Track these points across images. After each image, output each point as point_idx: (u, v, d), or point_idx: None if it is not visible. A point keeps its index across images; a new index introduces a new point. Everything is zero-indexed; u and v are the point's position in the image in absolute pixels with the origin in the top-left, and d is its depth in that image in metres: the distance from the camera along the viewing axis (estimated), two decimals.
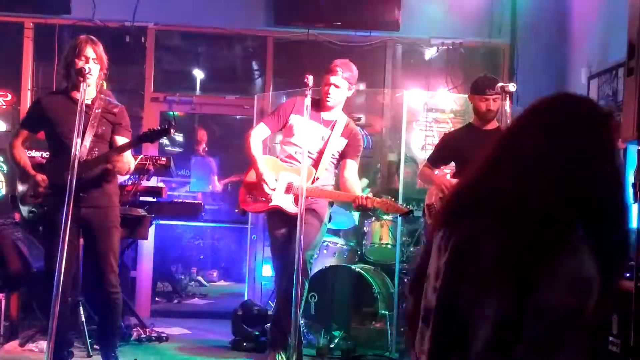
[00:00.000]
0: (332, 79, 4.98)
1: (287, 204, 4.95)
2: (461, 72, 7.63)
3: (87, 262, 5.14)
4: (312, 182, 4.95)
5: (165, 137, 5.02)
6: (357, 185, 5.00)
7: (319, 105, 5.06)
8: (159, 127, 4.66)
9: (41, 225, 4.96)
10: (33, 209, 4.80)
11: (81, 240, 5.02)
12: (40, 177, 4.69)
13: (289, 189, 4.98)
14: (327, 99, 5.01)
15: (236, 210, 5.38)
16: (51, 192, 4.67)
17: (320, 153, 5.04)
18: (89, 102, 4.68)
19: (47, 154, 5.25)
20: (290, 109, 5.10)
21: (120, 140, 4.79)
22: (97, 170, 4.68)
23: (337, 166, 5.20)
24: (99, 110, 4.72)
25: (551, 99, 1.99)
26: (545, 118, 1.95)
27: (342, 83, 4.99)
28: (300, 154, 4.87)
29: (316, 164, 5.02)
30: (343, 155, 5.11)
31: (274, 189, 4.97)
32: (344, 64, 5.07)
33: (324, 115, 5.08)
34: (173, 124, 4.66)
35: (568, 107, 1.97)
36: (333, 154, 5.10)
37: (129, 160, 4.78)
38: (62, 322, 4.40)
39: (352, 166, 5.07)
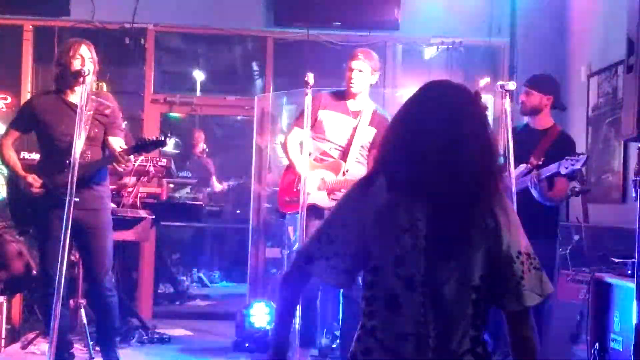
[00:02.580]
0: (355, 63, 4.93)
1: (321, 199, 4.94)
2: (461, 71, 7.62)
3: (84, 264, 5.15)
4: (343, 175, 4.94)
5: (161, 147, 5.02)
6: None
7: (343, 95, 5.02)
8: (154, 138, 4.67)
9: (33, 227, 4.94)
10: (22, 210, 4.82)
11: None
12: (32, 177, 4.66)
13: (321, 184, 4.98)
14: (351, 84, 4.94)
15: (277, 213, 5.39)
16: (43, 194, 4.67)
17: (349, 144, 5.01)
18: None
19: None
20: (318, 105, 5.05)
21: (114, 140, 4.79)
22: (90, 173, 4.67)
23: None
24: (91, 112, 4.68)
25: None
26: None
27: (365, 67, 4.94)
28: (336, 149, 4.94)
29: (345, 155, 5.00)
30: (372, 146, 5.01)
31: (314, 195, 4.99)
32: (365, 50, 5.09)
33: (350, 104, 5.03)
34: (169, 135, 4.69)
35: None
36: (362, 145, 5.04)
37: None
38: (62, 324, 4.40)
39: None
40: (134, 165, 5.45)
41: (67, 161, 4.32)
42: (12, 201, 4.93)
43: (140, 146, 4.69)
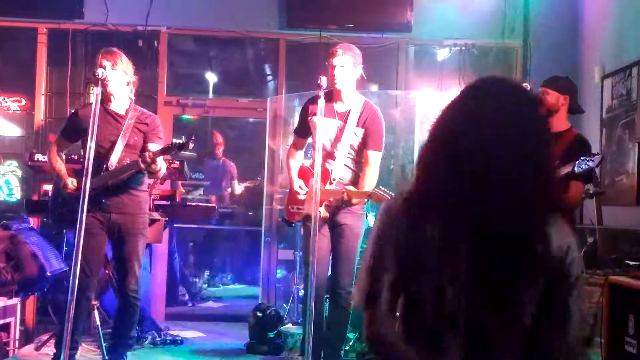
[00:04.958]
0: (335, 60, 4.85)
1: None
2: (474, 73, 7.58)
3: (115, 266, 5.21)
4: (330, 184, 4.91)
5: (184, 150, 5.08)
6: (368, 181, 4.84)
7: (331, 97, 4.90)
8: (178, 142, 4.74)
9: (69, 227, 5.08)
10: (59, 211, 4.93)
11: None
12: (70, 180, 4.86)
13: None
14: (335, 81, 4.84)
15: (281, 221, 5.42)
16: (80, 195, 4.71)
17: (334, 147, 4.94)
18: (122, 112, 4.91)
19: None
20: (307, 113, 5.07)
21: (152, 147, 4.91)
22: (125, 177, 4.80)
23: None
24: (132, 121, 4.89)
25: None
26: None
27: (346, 61, 4.85)
28: (324, 154, 4.85)
29: (330, 160, 4.93)
30: (364, 146, 4.93)
31: (305, 194, 4.96)
32: (344, 45, 5.00)
33: (337, 106, 4.96)
34: (193, 138, 4.75)
35: None
36: (351, 150, 4.95)
37: (161, 165, 4.87)
38: (76, 322, 4.44)
39: (370, 158, 4.90)
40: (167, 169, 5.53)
41: (104, 165, 4.73)
42: (53, 202, 5.08)
43: (165, 149, 4.75)
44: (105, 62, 4.76)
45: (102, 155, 4.73)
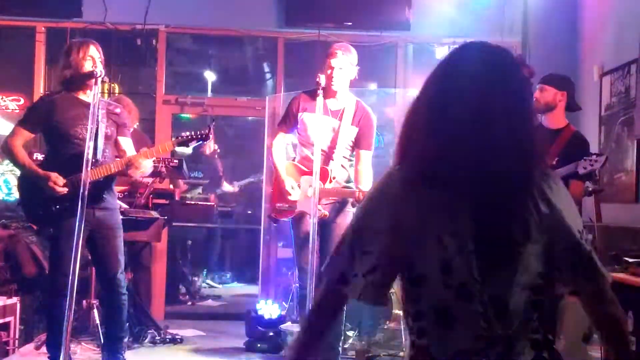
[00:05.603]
0: (334, 61, 4.83)
1: (310, 207, 4.76)
2: None
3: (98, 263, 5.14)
4: (330, 182, 4.90)
5: (204, 142, 4.97)
6: (367, 179, 4.84)
7: (324, 94, 4.81)
8: (198, 133, 4.67)
9: (54, 225, 4.85)
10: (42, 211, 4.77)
11: None
12: (55, 175, 4.56)
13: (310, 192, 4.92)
14: (332, 83, 4.82)
15: (269, 218, 5.36)
16: (68, 192, 4.62)
17: (332, 147, 4.92)
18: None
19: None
20: (297, 107, 5.01)
21: (124, 140, 4.86)
22: (113, 173, 4.70)
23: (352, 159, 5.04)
24: (104, 111, 4.71)
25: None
26: None
27: (344, 63, 4.85)
28: (320, 153, 4.78)
29: (328, 159, 4.91)
30: (356, 145, 4.95)
31: (296, 195, 4.92)
32: (342, 45, 5.00)
33: (330, 104, 4.92)
34: (212, 128, 4.68)
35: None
36: (346, 147, 4.95)
37: (149, 163, 4.82)
38: (62, 324, 4.38)
39: (364, 157, 4.92)
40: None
41: (94, 160, 4.40)
42: (29, 202, 4.80)
43: (183, 141, 4.72)
44: (95, 53, 4.68)
45: (80, 148, 4.44)
